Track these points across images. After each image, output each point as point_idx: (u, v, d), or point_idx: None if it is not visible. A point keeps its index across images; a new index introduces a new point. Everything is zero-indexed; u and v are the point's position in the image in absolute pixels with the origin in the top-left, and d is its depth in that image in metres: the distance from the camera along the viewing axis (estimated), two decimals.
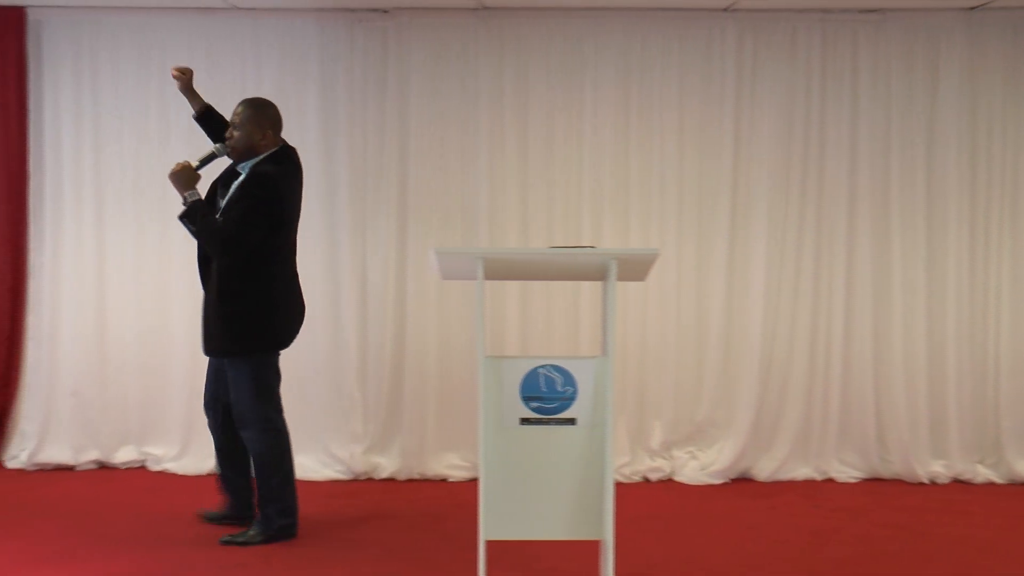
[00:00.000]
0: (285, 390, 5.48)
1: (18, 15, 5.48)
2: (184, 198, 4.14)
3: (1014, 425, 5.47)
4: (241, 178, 4.22)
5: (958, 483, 5.41)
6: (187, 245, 5.46)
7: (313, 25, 5.48)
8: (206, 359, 5.43)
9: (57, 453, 5.50)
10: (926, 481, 5.39)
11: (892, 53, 5.48)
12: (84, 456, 5.51)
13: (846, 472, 5.47)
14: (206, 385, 4.54)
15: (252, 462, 4.40)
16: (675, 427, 5.51)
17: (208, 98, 5.45)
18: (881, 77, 5.48)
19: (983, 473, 5.45)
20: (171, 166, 4.22)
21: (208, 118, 4.55)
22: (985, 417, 5.51)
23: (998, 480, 5.43)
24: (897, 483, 5.41)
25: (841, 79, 5.49)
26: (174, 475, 5.41)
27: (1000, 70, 5.49)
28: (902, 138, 5.49)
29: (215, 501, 4.65)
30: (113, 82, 5.53)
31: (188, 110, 5.43)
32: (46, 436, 5.50)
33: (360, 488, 5.25)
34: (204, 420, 5.42)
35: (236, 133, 4.20)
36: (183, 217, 4.18)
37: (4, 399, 5.58)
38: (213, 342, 4.30)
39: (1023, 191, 5.52)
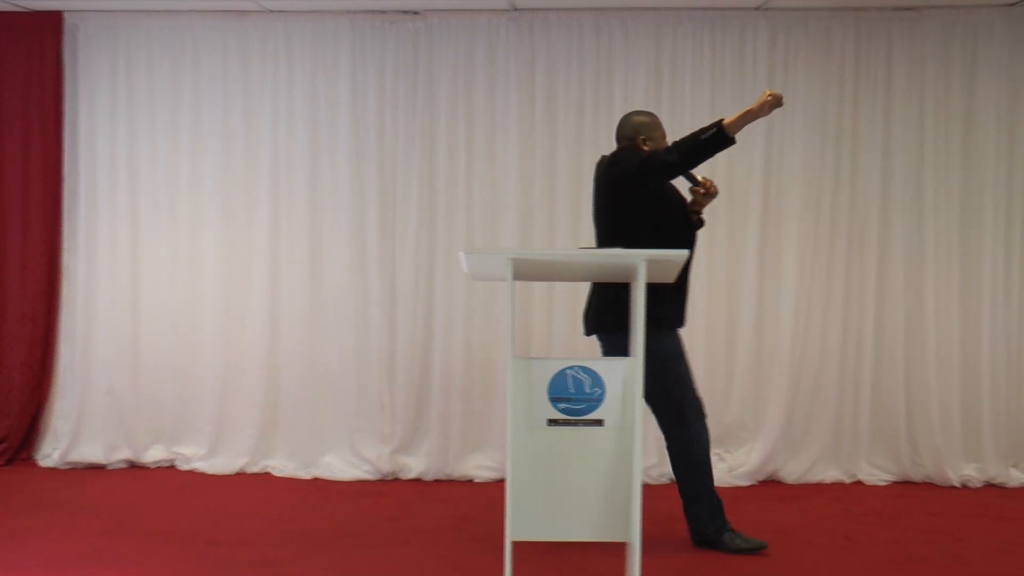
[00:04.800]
0: (314, 392, 5.55)
1: (55, 19, 5.56)
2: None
3: None
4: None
5: (991, 487, 5.35)
6: (220, 246, 5.55)
7: (345, 27, 5.50)
8: (238, 360, 5.53)
9: (89, 452, 5.56)
10: (958, 485, 5.33)
11: (927, 51, 5.42)
12: (115, 455, 5.57)
13: (876, 475, 5.42)
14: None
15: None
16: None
17: (240, 99, 5.55)
18: (916, 76, 5.42)
19: (1017, 477, 5.37)
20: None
21: None
22: (1020, 420, 5.44)
23: None
24: (928, 486, 5.35)
25: (875, 78, 5.44)
26: (203, 474, 5.45)
27: None
28: (936, 138, 5.42)
29: (246, 501, 4.67)
30: (148, 85, 5.58)
31: (221, 111, 5.54)
32: (79, 435, 5.57)
33: (387, 488, 5.27)
34: (235, 420, 5.52)
35: None
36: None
37: (38, 399, 5.65)
38: None
39: None
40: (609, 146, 5.45)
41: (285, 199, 5.54)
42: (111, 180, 5.61)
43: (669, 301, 4.12)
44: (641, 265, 3.44)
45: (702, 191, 4.23)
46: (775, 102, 3.88)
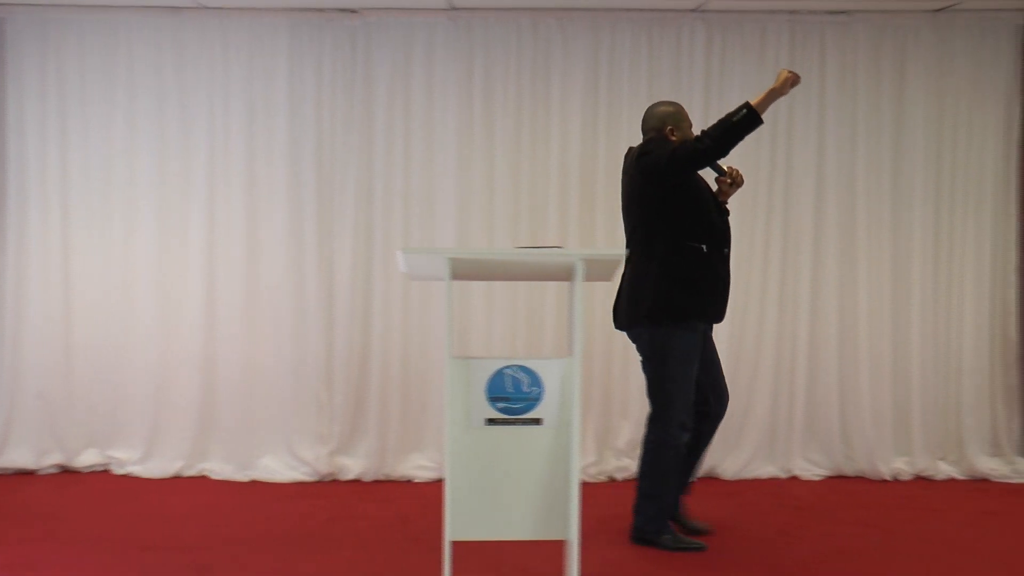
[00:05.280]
0: (250, 393, 5.49)
1: None
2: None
3: (975, 423, 5.56)
4: None
5: (920, 479, 5.49)
6: (154, 245, 5.46)
7: (282, 24, 5.45)
8: (173, 361, 5.45)
9: (18, 457, 5.43)
10: (888, 478, 5.46)
11: (859, 54, 5.53)
12: (46, 460, 5.45)
13: (810, 470, 5.52)
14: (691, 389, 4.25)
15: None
16: (642, 426, 5.47)
17: (175, 97, 5.46)
18: (848, 77, 5.53)
19: (944, 470, 5.52)
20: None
21: None
22: (948, 415, 5.59)
23: (959, 476, 5.51)
24: (860, 480, 5.48)
25: (808, 79, 5.51)
26: (138, 479, 5.36)
27: (965, 71, 5.56)
28: (868, 138, 5.54)
29: (182, 505, 4.60)
30: (79, 81, 5.47)
31: (156, 109, 5.46)
32: (8, 440, 5.44)
33: (326, 490, 5.24)
34: (170, 422, 5.45)
35: None
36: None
37: None
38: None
39: (987, 192, 5.59)
40: (546, 144, 5.51)
41: (221, 198, 5.47)
42: (41, 178, 5.48)
43: (697, 294, 4.12)
44: (579, 265, 3.47)
45: (728, 180, 4.27)
46: (794, 79, 3.98)
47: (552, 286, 5.39)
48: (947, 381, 5.59)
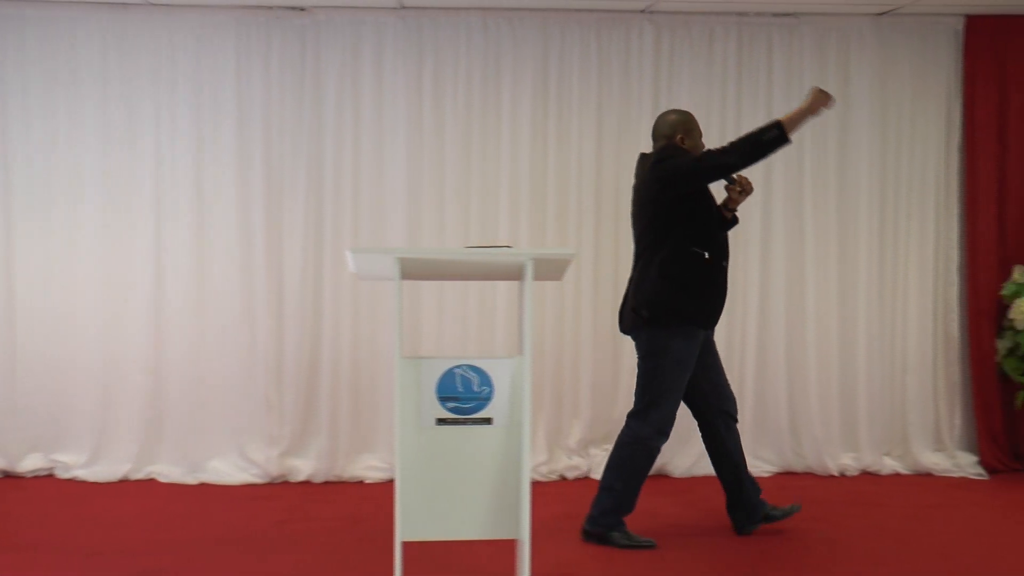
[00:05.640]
0: (199, 395, 5.42)
1: None
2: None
3: (919, 419, 5.67)
4: None
5: (867, 474, 5.59)
6: (100, 245, 5.37)
7: (230, 22, 5.39)
8: (119, 363, 5.37)
9: None
10: (836, 473, 5.55)
11: (805, 56, 5.61)
12: None
13: (760, 466, 5.58)
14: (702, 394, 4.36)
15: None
16: (593, 425, 5.55)
17: (120, 95, 5.38)
18: (795, 79, 5.60)
19: (890, 465, 5.62)
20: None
21: None
22: (893, 412, 5.69)
23: (904, 471, 5.61)
24: (808, 476, 5.56)
25: (756, 80, 5.60)
26: (84, 483, 5.28)
27: (908, 73, 5.66)
28: (815, 139, 5.61)
29: (129, 509, 4.53)
30: (20, 77, 5.36)
31: (100, 107, 5.36)
32: None
33: (276, 491, 5.20)
34: (117, 425, 5.38)
35: None
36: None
37: None
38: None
39: (930, 192, 5.70)
40: (496, 144, 5.51)
41: (167, 198, 5.40)
42: None
43: (697, 298, 4.18)
44: (528, 264, 3.47)
45: (738, 189, 4.31)
46: (828, 101, 3.97)
47: (503, 286, 5.40)
48: (892, 379, 5.69)
